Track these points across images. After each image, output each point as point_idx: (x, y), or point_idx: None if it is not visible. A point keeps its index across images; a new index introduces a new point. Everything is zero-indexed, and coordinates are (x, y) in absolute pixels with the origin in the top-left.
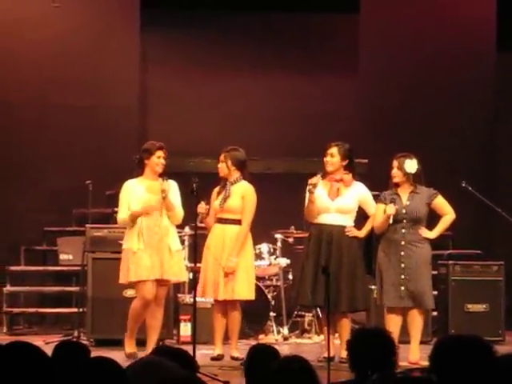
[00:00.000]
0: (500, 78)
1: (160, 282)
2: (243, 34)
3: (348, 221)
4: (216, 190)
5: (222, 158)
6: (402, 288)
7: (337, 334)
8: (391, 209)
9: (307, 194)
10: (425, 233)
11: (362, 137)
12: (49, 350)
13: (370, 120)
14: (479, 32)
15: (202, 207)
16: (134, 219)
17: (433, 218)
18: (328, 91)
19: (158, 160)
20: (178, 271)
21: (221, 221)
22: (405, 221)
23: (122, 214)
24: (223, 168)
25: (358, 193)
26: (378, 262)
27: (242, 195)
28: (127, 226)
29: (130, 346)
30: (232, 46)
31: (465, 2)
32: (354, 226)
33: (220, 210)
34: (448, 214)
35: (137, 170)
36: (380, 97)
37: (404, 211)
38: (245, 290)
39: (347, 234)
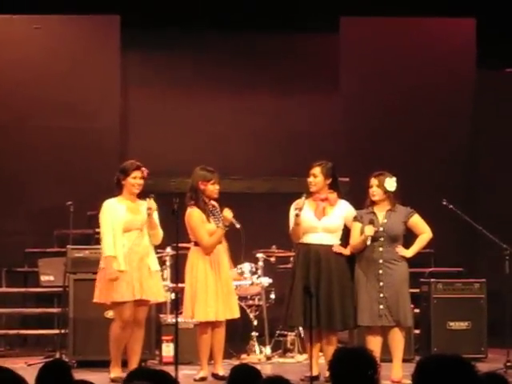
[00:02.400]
0: (479, 96)
1: (139, 303)
2: (224, 54)
3: (334, 239)
4: (201, 215)
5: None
6: (381, 306)
7: (321, 353)
8: (370, 230)
9: (292, 217)
10: (402, 251)
11: (343, 155)
12: (31, 372)
13: (351, 139)
14: (459, 50)
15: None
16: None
17: (409, 237)
18: (309, 110)
19: (133, 181)
20: (157, 291)
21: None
22: (382, 239)
23: (108, 247)
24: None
25: (343, 211)
26: (355, 281)
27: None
28: None
29: (115, 371)
30: (213, 66)
31: (444, 21)
32: (340, 244)
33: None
34: (425, 233)
35: (115, 190)
36: (361, 115)
37: (382, 229)
38: (237, 308)
39: (334, 249)
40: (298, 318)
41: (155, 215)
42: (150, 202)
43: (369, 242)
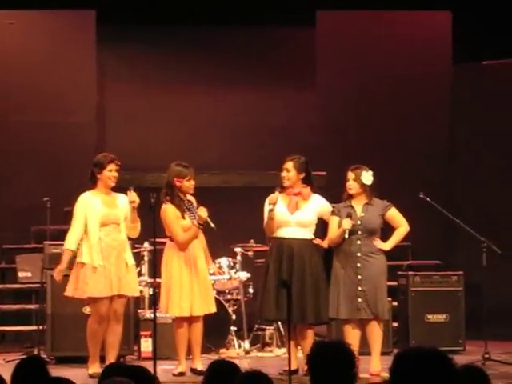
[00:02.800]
0: (456, 89)
1: (117, 297)
2: (201, 49)
3: (308, 234)
4: (176, 211)
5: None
6: (360, 300)
7: (299, 347)
8: (348, 223)
9: (266, 211)
10: (379, 244)
11: (320, 149)
12: (9, 369)
13: (328, 133)
14: (435, 43)
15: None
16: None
17: (386, 231)
18: (286, 104)
19: (109, 173)
20: (135, 286)
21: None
22: (360, 232)
23: (71, 241)
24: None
25: (317, 205)
26: (333, 274)
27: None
28: (83, 240)
29: (93, 367)
30: (190, 61)
31: (420, 14)
32: (318, 237)
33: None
34: (402, 226)
35: (90, 183)
36: (338, 109)
37: (359, 222)
38: (213, 303)
39: (314, 241)
40: (270, 311)
41: (126, 207)
42: (132, 195)
43: (346, 236)
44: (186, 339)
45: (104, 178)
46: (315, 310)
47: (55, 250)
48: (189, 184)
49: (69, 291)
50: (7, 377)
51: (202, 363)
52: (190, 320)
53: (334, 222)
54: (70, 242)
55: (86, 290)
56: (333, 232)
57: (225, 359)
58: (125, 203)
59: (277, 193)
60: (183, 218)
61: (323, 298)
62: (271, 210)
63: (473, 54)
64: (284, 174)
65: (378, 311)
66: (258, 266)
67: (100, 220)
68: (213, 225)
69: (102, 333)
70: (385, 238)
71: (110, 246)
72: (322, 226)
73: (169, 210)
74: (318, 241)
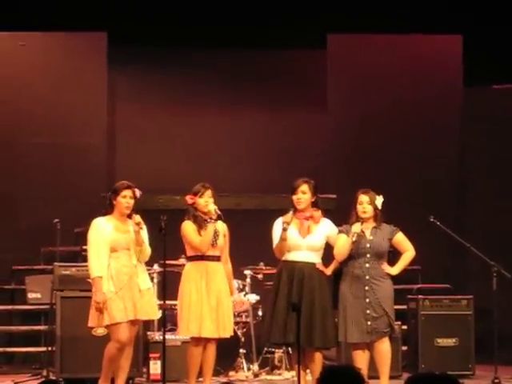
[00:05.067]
0: (467, 113)
1: (132, 323)
2: (212, 71)
3: (317, 258)
4: (193, 226)
5: (210, 194)
6: (369, 323)
7: (308, 370)
8: (357, 227)
9: (275, 233)
10: (387, 269)
11: (331, 172)
12: None
13: (339, 155)
14: (446, 67)
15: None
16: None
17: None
18: (297, 127)
19: (123, 200)
20: (150, 310)
21: (208, 258)
22: (368, 255)
23: (95, 267)
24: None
25: (326, 230)
26: (341, 298)
27: (223, 233)
28: None
29: None
30: (201, 83)
31: (432, 38)
32: (322, 264)
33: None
34: (408, 251)
35: (107, 209)
36: (349, 132)
37: (368, 246)
38: (229, 329)
39: (317, 266)
40: (279, 334)
41: (143, 232)
42: (137, 218)
43: (355, 238)
44: (197, 361)
45: (118, 204)
46: (322, 333)
47: (65, 272)
48: (201, 201)
49: (90, 322)
50: None
51: None
52: (204, 342)
53: (341, 238)
54: (94, 268)
55: (102, 319)
56: (340, 247)
57: (233, 382)
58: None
59: (291, 213)
60: (200, 234)
61: (330, 322)
62: (284, 230)
63: (483, 78)
64: (300, 195)
65: (389, 331)
66: (268, 289)
67: (110, 245)
68: (219, 212)
69: (120, 358)
70: (390, 263)
71: (122, 272)
72: (325, 252)
73: (186, 225)
74: (320, 266)
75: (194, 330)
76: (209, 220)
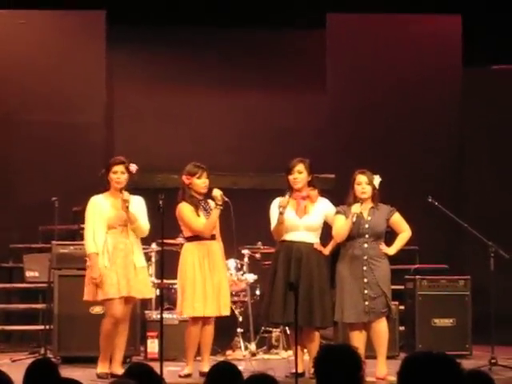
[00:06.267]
0: (466, 93)
1: (126, 299)
2: (211, 51)
3: (315, 237)
4: (190, 207)
5: (207, 175)
6: (366, 303)
7: (305, 350)
8: (357, 208)
9: (273, 215)
10: (385, 249)
11: (329, 152)
12: (16, 368)
13: (337, 135)
14: (445, 47)
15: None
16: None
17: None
18: (296, 107)
19: (114, 175)
20: (144, 288)
21: (209, 237)
22: (367, 235)
23: (91, 244)
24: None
25: (323, 209)
26: (338, 278)
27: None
28: None
29: (102, 367)
30: (200, 63)
31: (430, 18)
32: (320, 243)
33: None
34: (405, 231)
35: (103, 186)
36: (347, 112)
37: (367, 226)
38: (227, 307)
39: (315, 246)
40: (278, 314)
41: (142, 211)
42: (125, 195)
43: (354, 219)
44: (196, 340)
45: (110, 180)
46: (321, 313)
47: (63, 250)
48: (199, 182)
49: (84, 295)
50: (14, 376)
51: (209, 366)
52: (203, 322)
53: (339, 218)
54: (90, 245)
55: (96, 293)
56: (339, 227)
57: (227, 361)
58: (135, 205)
59: (287, 196)
60: (197, 215)
61: (328, 303)
62: (281, 214)
63: (483, 59)
64: (296, 175)
65: (387, 311)
66: (265, 268)
67: (107, 222)
68: (226, 199)
69: (116, 334)
70: (386, 243)
71: (117, 249)
72: (324, 232)
73: (183, 207)
74: (318, 246)
75: (200, 309)
76: (217, 207)
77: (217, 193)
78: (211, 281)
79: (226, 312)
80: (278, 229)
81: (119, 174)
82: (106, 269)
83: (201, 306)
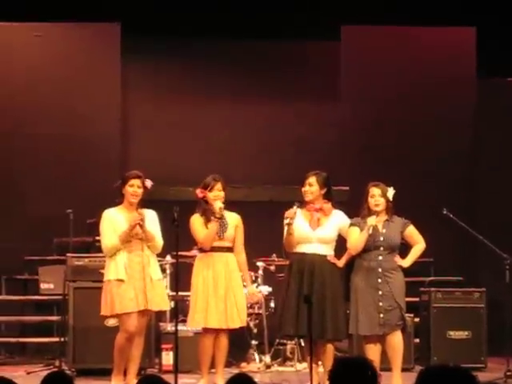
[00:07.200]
0: (480, 105)
1: (143, 313)
2: (226, 62)
3: (329, 250)
4: (201, 220)
5: (221, 187)
6: (381, 315)
7: (320, 362)
8: (373, 220)
9: (285, 226)
10: (399, 261)
11: (343, 164)
12: (31, 380)
13: (352, 147)
14: (459, 59)
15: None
16: (124, 239)
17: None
18: (310, 119)
19: (130, 189)
20: (161, 301)
21: (215, 249)
22: (382, 248)
23: (109, 239)
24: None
25: (338, 222)
26: (353, 290)
27: (236, 224)
28: (109, 256)
29: (116, 379)
30: (214, 74)
31: (445, 30)
32: (334, 255)
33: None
34: (419, 244)
35: (118, 199)
36: (361, 124)
37: (382, 238)
38: (237, 320)
39: (328, 258)
40: (291, 326)
41: (155, 225)
42: (139, 212)
43: (370, 231)
44: (209, 353)
45: (126, 193)
46: (334, 325)
47: (77, 262)
48: (212, 196)
49: (103, 311)
50: None
51: (223, 378)
52: (216, 334)
53: (354, 231)
54: (109, 241)
55: (113, 308)
56: (353, 240)
57: (244, 373)
58: (150, 219)
59: (295, 207)
60: (206, 227)
61: (342, 313)
62: (289, 225)
63: (497, 70)
64: (307, 188)
65: (402, 323)
66: (280, 280)
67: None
68: (223, 212)
69: (130, 348)
70: (400, 255)
71: (134, 262)
72: (338, 244)
73: (194, 219)
74: (332, 259)
75: (200, 320)
76: (215, 219)
77: (216, 205)
78: (214, 293)
79: (235, 325)
80: (287, 240)
81: (136, 188)
82: (124, 283)
83: (201, 317)
